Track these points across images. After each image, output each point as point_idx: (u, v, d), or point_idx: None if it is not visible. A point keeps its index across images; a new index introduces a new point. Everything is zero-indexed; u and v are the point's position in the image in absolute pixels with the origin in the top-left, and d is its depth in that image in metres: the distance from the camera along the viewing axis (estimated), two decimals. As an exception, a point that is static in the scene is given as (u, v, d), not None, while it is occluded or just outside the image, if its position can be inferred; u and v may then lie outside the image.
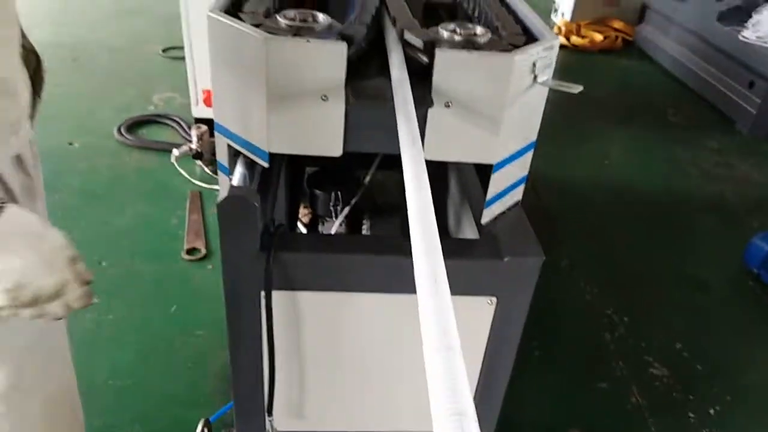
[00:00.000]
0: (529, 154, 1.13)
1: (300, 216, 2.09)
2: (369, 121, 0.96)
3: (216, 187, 2.63)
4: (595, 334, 2.08)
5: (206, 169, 2.73)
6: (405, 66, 0.97)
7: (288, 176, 1.76)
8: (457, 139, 0.99)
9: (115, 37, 4.12)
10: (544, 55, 1.00)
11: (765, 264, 2.34)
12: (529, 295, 1.10)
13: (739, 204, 2.95)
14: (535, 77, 1.01)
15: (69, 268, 0.77)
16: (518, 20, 1.17)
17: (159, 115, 3.14)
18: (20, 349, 0.95)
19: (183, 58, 2.70)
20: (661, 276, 2.42)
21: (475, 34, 1.02)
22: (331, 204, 1.65)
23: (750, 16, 3.70)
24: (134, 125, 3.04)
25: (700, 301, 2.31)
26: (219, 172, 1.15)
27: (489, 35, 1.03)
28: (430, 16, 1.33)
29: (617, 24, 5.03)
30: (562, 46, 4.80)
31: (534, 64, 0.99)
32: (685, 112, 3.91)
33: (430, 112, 0.96)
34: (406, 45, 1.02)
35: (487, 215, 1.11)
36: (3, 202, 0.73)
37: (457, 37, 1.00)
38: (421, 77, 0.95)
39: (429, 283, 0.57)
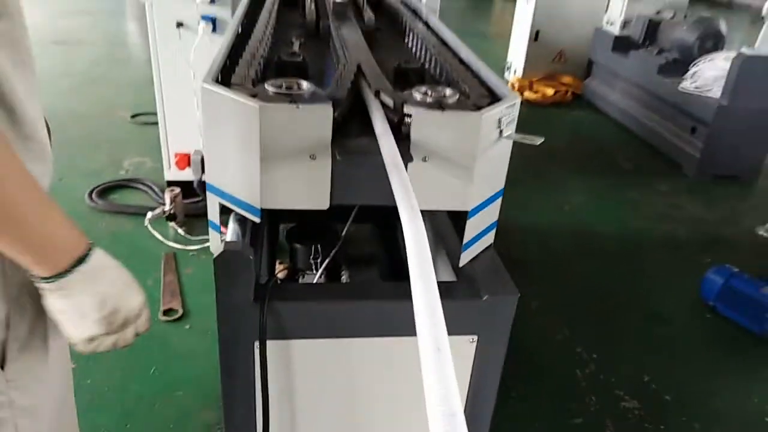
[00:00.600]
0: (499, 201, 1.23)
1: (276, 273, 2.14)
2: (353, 175, 1.05)
3: (190, 247, 2.66)
4: (567, 371, 2.16)
5: (180, 231, 2.77)
6: (387, 123, 1.06)
7: (267, 233, 1.82)
8: (435, 189, 1.09)
9: (85, 105, 4.18)
10: (507, 113, 1.12)
11: (720, 297, 2.48)
12: (507, 331, 1.18)
13: (691, 242, 3.13)
14: (501, 132, 1.12)
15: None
16: (482, 82, 1.29)
17: (130, 180, 3.17)
18: (54, 403, 0.97)
19: (152, 124, 2.78)
20: (625, 312, 2.54)
21: (444, 96, 1.13)
22: (311, 257, 1.71)
23: (687, 69, 4.00)
24: (106, 190, 3.06)
25: (662, 334, 2.42)
26: (210, 230, 1.22)
27: (457, 96, 1.14)
28: (400, 80, 1.44)
29: (566, 79, 5.35)
30: (516, 101, 5.08)
31: (499, 121, 1.10)
32: (634, 158, 4.15)
33: (410, 166, 1.05)
34: (385, 107, 1.13)
35: (464, 258, 1.20)
36: (91, 243, 0.80)
37: (429, 99, 1.11)
38: (398, 136, 1.05)
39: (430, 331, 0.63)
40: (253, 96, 1.02)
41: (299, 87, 1.09)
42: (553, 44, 5.30)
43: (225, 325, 1.09)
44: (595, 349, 2.27)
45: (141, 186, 3.12)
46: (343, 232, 1.78)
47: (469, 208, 1.13)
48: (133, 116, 3.94)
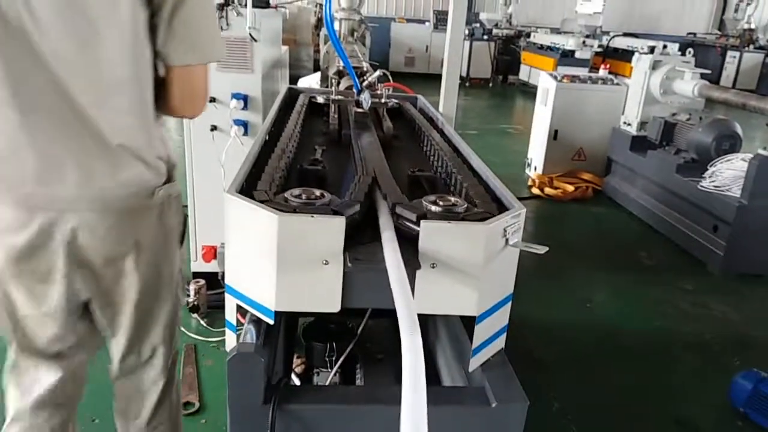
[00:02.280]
0: (508, 306, 1.26)
1: (294, 366, 2.15)
2: (363, 281, 1.10)
3: (211, 339, 2.70)
4: (591, 481, 2.08)
5: (202, 322, 2.82)
6: (394, 234, 1.13)
7: (284, 329, 1.86)
8: (443, 295, 1.13)
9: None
10: (512, 222, 1.17)
11: (750, 402, 2.39)
12: (518, 439, 1.17)
13: (718, 343, 3.05)
14: (507, 240, 1.17)
15: None
16: (489, 191, 1.36)
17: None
18: None
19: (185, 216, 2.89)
20: (648, 417, 2.45)
21: (454, 205, 1.20)
22: (326, 355, 1.74)
23: (706, 168, 4.06)
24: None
25: (691, 441, 2.32)
26: (226, 329, 1.26)
27: (465, 205, 1.21)
28: (414, 186, 1.52)
29: (586, 175, 5.45)
30: (536, 197, 5.17)
31: (505, 230, 1.15)
32: (657, 255, 4.14)
33: (418, 273, 1.10)
34: (396, 216, 1.19)
35: (474, 363, 1.21)
36: None
37: (438, 208, 1.18)
38: (409, 243, 1.11)
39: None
40: (274, 206, 1.10)
41: (317, 196, 1.18)
42: (572, 143, 5.44)
43: (235, 425, 1.12)
44: (620, 456, 2.19)
45: (168, 278, 3.21)
46: (359, 330, 1.80)
47: (477, 314, 1.16)
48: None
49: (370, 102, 2.03)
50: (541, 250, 1.15)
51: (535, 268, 3.96)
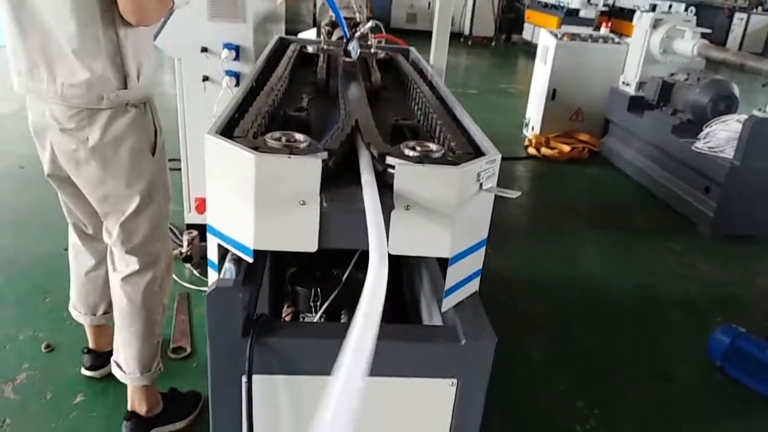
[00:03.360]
0: (482, 250, 1.29)
1: (283, 315, 2.20)
2: (340, 222, 1.13)
3: (203, 288, 2.75)
4: (567, 426, 2.15)
5: (195, 272, 2.87)
6: (373, 174, 1.15)
7: (271, 276, 1.90)
8: (416, 236, 1.16)
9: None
10: (487, 167, 1.19)
11: (727, 357, 2.46)
12: (487, 375, 1.22)
13: (703, 301, 3.11)
14: (481, 185, 1.19)
15: None
16: (469, 139, 1.38)
17: (152, 222, 3.31)
18: None
19: (175, 170, 2.91)
20: (629, 369, 2.52)
21: (431, 150, 1.22)
22: (311, 300, 1.78)
23: (701, 129, 4.06)
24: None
25: (667, 393, 2.40)
26: (209, 269, 1.30)
27: (442, 151, 1.23)
28: (396, 135, 1.54)
29: (583, 136, 5.44)
30: (532, 157, 5.17)
31: (479, 175, 1.18)
32: (649, 215, 4.17)
33: (393, 213, 1.13)
34: (374, 159, 1.22)
35: (447, 304, 1.26)
36: None
37: (415, 153, 1.20)
38: (386, 187, 1.14)
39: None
40: (253, 147, 1.12)
41: (297, 140, 1.20)
42: (570, 103, 5.41)
43: (215, 358, 1.16)
44: (597, 404, 2.26)
45: (162, 228, 3.25)
46: (344, 277, 1.84)
47: (450, 255, 1.19)
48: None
49: (358, 51, 2.03)
50: (514, 194, 1.18)
51: (526, 225, 4.01)
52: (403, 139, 1.47)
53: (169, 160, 3.48)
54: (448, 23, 2.72)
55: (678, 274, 3.36)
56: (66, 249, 2.05)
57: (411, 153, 1.20)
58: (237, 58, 2.82)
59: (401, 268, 2.00)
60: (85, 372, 2.12)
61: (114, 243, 1.80)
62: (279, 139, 1.18)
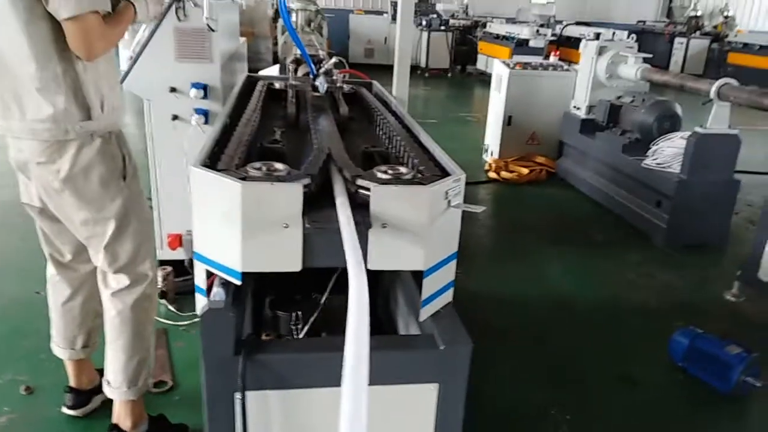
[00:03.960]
0: (453, 263, 1.40)
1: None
2: (321, 242, 1.22)
3: (181, 323, 2.78)
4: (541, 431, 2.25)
5: (170, 307, 2.89)
6: (347, 196, 1.25)
7: (252, 304, 1.96)
8: (393, 252, 1.25)
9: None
10: (454, 186, 1.31)
11: (687, 357, 2.60)
12: (465, 378, 1.31)
13: (662, 308, 3.27)
14: (449, 202, 1.30)
15: None
16: (435, 162, 1.49)
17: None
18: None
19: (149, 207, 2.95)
20: (597, 375, 2.64)
21: (401, 173, 1.33)
22: (292, 323, 1.85)
23: (649, 147, 4.30)
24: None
25: (635, 395, 2.52)
26: (197, 294, 1.37)
27: (412, 173, 1.34)
28: (367, 161, 1.64)
29: (540, 159, 5.66)
30: (493, 180, 5.35)
31: (446, 193, 1.29)
32: (606, 231, 4.37)
33: (371, 232, 1.22)
34: (348, 183, 1.32)
35: (424, 314, 1.35)
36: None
37: (387, 176, 1.30)
38: (362, 208, 1.23)
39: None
40: (236, 176, 1.21)
41: (277, 169, 1.29)
42: (526, 127, 5.64)
43: (210, 376, 1.22)
44: (569, 410, 2.36)
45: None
46: (322, 300, 1.92)
47: (424, 268, 1.29)
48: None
49: (326, 86, 2.14)
50: (479, 209, 1.30)
51: (492, 245, 4.15)
52: (375, 164, 1.58)
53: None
54: (408, 56, 2.87)
55: (637, 284, 3.53)
56: (38, 292, 2.08)
57: (383, 176, 1.30)
58: (205, 96, 2.90)
59: (376, 286, 2.08)
60: (67, 411, 2.12)
61: (102, 266, 1.89)
62: (260, 169, 1.27)
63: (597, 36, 5.10)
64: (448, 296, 1.42)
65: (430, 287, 1.33)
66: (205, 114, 2.88)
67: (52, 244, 2.00)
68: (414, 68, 12.48)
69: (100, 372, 2.10)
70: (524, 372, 2.62)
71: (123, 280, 1.91)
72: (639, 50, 5.03)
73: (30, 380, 2.28)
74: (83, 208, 1.79)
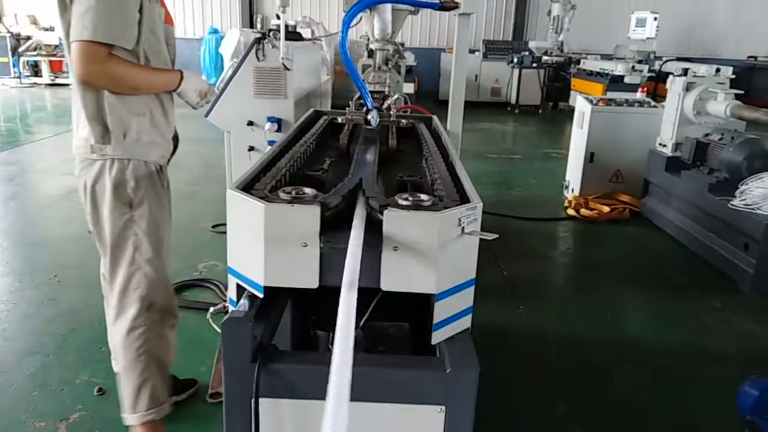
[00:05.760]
0: (471, 289, 1.43)
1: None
2: (337, 261, 1.31)
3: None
4: (586, 476, 2.16)
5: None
6: (363, 219, 1.33)
7: (294, 325, 2.05)
8: (405, 274, 1.32)
9: (174, 219, 4.77)
10: (468, 213, 1.36)
11: (756, 409, 2.41)
12: (472, 403, 1.33)
13: (739, 356, 3.05)
14: (463, 229, 1.35)
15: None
16: (461, 192, 1.55)
17: (200, 279, 3.58)
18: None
19: (224, 232, 3.18)
20: (656, 424, 2.50)
21: (422, 200, 1.40)
22: (330, 343, 1.93)
23: (737, 187, 4.06)
24: (179, 288, 3.47)
25: (696, 449, 2.37)
26: (230, 306, 1.49)
27: (432, 200, 1.40)
28: (401, 189, 1.72)
29: (624, 197, 5.47)
30: (572, 218, 5.23)
31: (460, 220, 1.34)
32: (687, 273, 4.13)
33: (383, 255, 1.30)
34: (370, 209, 1.40)
35: (436, 338, 1.39)
36: (181, 71, 2.05)
37: (406, 203, 1.38)
38: (378, 231, 1.31)
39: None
40: (265, 199, 1.33)
41: (305, 192, 1.40)
42: (609, 165, 5.49)
43: (228, 382, 1.33)
44: (621, 457, 2.26)
45: (210, 285, 3.51)
46: (362, 322, 1.99)
47: (435, 292, 1.34)
48: (214, 227, 4.46)
49: (378, 120, 2.26)
50: (491, 236, 1.33)
51: (561, 285, 4.05)
52: (406, 192, 1.66)
53: (217, 225, 3.84)
54: (463, 92, 2.94)
55: (714, 331, 3.32)
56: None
57: (403, 202, 1.38)
58: (279, 129, 3.13)
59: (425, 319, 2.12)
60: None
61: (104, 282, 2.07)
62: (290, 192, 1.39)
63: (685, 71, 4.92)
64: (465, 322, 1.45)
65: (443, 312, 1.38)
66: (277, 145, 3.10)
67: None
68: (504, 104, 12.53)
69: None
70: (575, 414, 2.53)
71: (113, 306, 2.02)
72: (749, 87, 4.80)
73: (104, 382, 2.51)
74: (95, 224, 1.98)
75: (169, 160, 2.13)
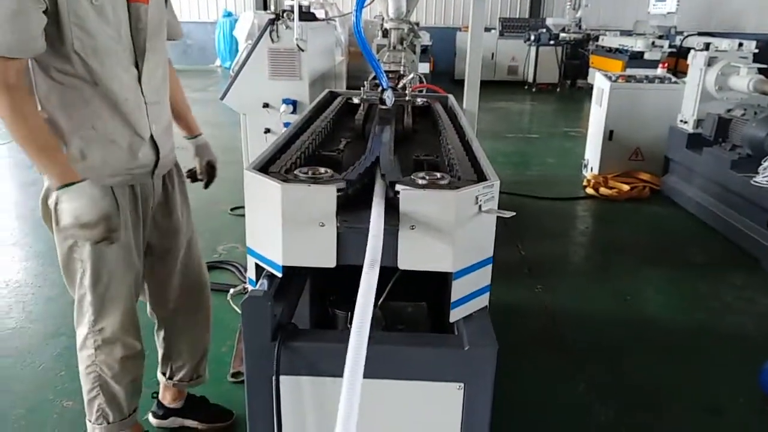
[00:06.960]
0: (488, 268, 1.43)
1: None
2: (354, 240, 1.31)
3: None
4: (605, 453, 2.17)
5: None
6: (383, 198, 1.34)
7: (313, 304, 2.07)
8: (422, 252, 1.32)
9: (193, 201, 4.81)
10: (485, 192, 1.35)
11: (779, 389, 2.39)
12: (491, 381, 1.34)
13: (760, 335, 3.02)
14: (480, 207, 1.34)
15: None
16: (478, 170, 1.54)
17: (220, 262, 3.62)
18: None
19: (242, 215, 3.21)
20: (677, 401, 2.50)
21: (438, 179, 1.39)
22: (348, 323, 1.95)
23: (760, 164, 3.98)
24: (199, 271, 3.51)
25: (715, 426, 2.35)
26: (248, 286, 1.51)
27: (448, 179, 1.40)
28: (418, 169, 1.71)
29: (644, 175, 5.40)
30: (591, 197, 5.18)
31: (477, 198, 1.33)
32: (708, 252, 4.08)
33: (400, 233, 1.30)
34: (387, 187, 1.40)
35: (454, 316, 1.39)
36: (82, 179, 1.59)
37: (424, 181, 1.37)
38: (395, 210, 1.31)
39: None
40: (282, 179, 1.34)
41: (321, 173, 1.40)
42: (629, 143, 5.41)
43: (249, 359, 1.35)
44: (640, 434, 2.27)
45: (229, 267, 3.55)
46: (380, 301, 2.00)
47: (453, 270, 1.34)
48: (232, 209, 4.50)
49: (393, 99, 2.24)
50: (509, 214, 1.32)
51: (580, 264, 4.03)
52: (422, 171, 1.65)
53: (235, 207, 3.80)
54: (478, 71, 2.91)
55: (735, 309, 3.28)
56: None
57: (420, 181, 1.38)
58: (294, 111, 3.13)
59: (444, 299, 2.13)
60: (150, 417, 2.29)
61: None
62: (306, 173, 1.39)
63: (706, 46, 4.81)
64: (482, 300, 1.45)
65: (461, 290, 1.38)
66: (293, 127, 3.10)
67: None
68: (521, 83, 12.37)
69: (192, 398, 2.30)
70: (593, 391, 2.53)
71: (75, 316, 1.87)
72: (760, 60, 4.68)
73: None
74: None
75: (154, 170, 1.84)
